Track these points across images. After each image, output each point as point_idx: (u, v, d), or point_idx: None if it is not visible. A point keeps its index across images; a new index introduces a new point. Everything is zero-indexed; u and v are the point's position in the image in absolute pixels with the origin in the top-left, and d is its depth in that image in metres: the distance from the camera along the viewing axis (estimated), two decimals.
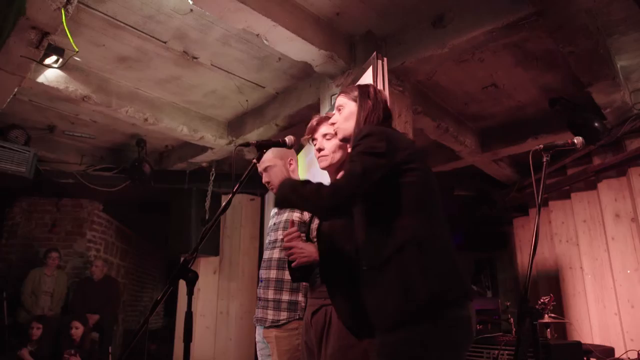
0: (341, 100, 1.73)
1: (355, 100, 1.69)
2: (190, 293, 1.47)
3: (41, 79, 3.76)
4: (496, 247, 7.35)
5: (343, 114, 1.70)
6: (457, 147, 4.99)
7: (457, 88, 4.30)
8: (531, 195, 6.09)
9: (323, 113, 3.75)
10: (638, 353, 3.69)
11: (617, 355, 4.19)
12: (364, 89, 1.71)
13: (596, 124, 4.17)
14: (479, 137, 5.19)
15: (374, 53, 2.59)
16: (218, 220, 5.33)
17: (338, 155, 1.86)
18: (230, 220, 5.94)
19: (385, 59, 2.59)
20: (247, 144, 1.72)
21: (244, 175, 1.67)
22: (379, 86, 2.52)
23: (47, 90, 3.89)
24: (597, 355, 3.78)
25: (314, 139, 1.93)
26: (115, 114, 4.27)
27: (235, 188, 1.62)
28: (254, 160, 1.70)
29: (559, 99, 4.17)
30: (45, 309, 5.35)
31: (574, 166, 5.30)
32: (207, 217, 5.41)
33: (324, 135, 1.91)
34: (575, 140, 1.98)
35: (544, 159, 2.00)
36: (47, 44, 3.33)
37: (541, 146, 2.01)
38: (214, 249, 5.53)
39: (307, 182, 1.51)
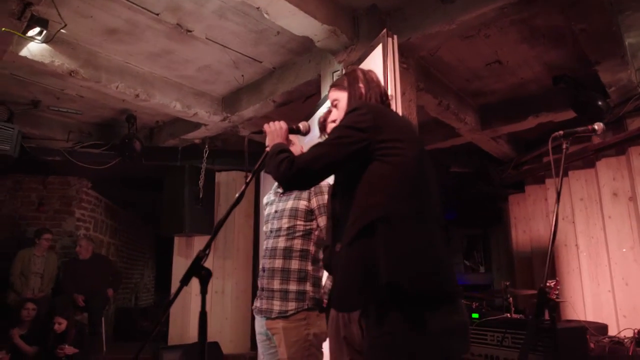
0: (335, 94, 1.65)
1: (347, 91, 1.61)
2: (204, 292, 1.37)
3: (24, 52, 3.54)
4: (491, 223, 7.39)
5: (341, 108, 1.62)
6: (457, 125, 4.90)
7: (460, 64, 4.18)
8: (527, 172, 6.08)
9: (324, 90, 3.62)
10: (634, 331, 3.72)
11: (610, 332, 4.26)
12: (352, 74, 1.64)
13: (600, 103, 4.10)
14: (479, 114, 5.10)
15: (384, 30, 2.45)
16: (213, 201, 5.10)
17: None
18: (224, 198, 5.83)
19: (395, 36, 2.46)
20: (260, 132, 1.60)
21: (258, 164, 1.56)
22: (389, 65, 2.40)
23: (31, 65, 3.67)
24: (592, 332, 3.82)
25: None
26: (105, 89, 4.07)
27: (249, 179, 1.51)
28: (267, 149, 1.58)
29: (563, 77, 4.08)
30: (35, 290, 5.23)
31: (573, 144, 5.23)
32: (201, 196, 5.29)
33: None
34: (596, 126, 1.91)
35: (564, 146, 1.92)
36: (30, 15, 3.13)
37: (561, 132, 1.94)
38: (208, 228, 5.41)
39: (283, 151, 1.48)
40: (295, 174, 1.40)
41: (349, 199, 1.40)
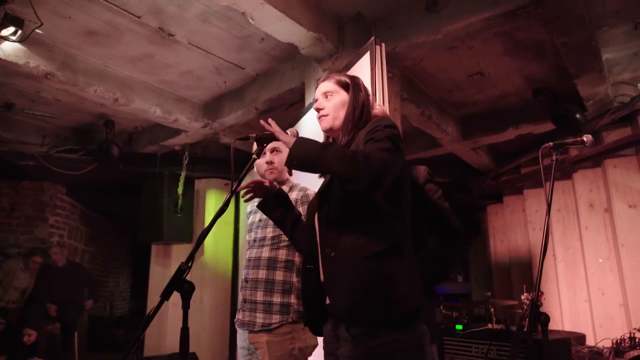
0: (330, 86, 1.60)
1: (345, 89, 1.59)
2: (186, 307, 1.32)
3: None
4: (469, 233, 7.44)
5: (333, 102, 1.57)
6: (438, 135, 4.94)
7: (443, 75, 4.21)
8: (506, 183, 6.16)
9: (308, 98, 3.59)
10: (612, 341, 3.77)
11: (587, 342, 4.31)
12: (356, 80, 1.62)
13: (578, 116, 4.19)
14: (460, 125, 5.15)
15: (372, 38, 2.44)
16: (192, 208, 5.00)
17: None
18: (203, 205, 5.73)
19: (383, 44, 2.45)
20: (246, 138, 1.55)
21: (244, 171, 1.51)
22: (377, 74, 2.39)
23: (4, 65, 3.53)
24: (572, 342, 3.86)
25: None
26: (83, 93, 3.95)
27: (235, 187, 1.46)
28: (254, 156, 1.54)
29: (543, 90, 4.16)
30: (9, 302, 5.02)
31: (550, 156, 5.34)
32: (180, 203, 5.18)
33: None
34: (585, 138, 1.93)
35: (553, 157, 1.93)
36: (4, 14, 3.03)
37: (551, 144, 1.94)
38: (187, 236, 5.31)
39: (334, 142, 1.45)
40: (384, 173, 1.31)
41: (352, 207, 1.41)
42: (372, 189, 1.37)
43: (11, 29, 3.16)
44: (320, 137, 1.64)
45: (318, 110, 1.59)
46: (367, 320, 1.33)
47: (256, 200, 2.38)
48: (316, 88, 1.65)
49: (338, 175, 1.36)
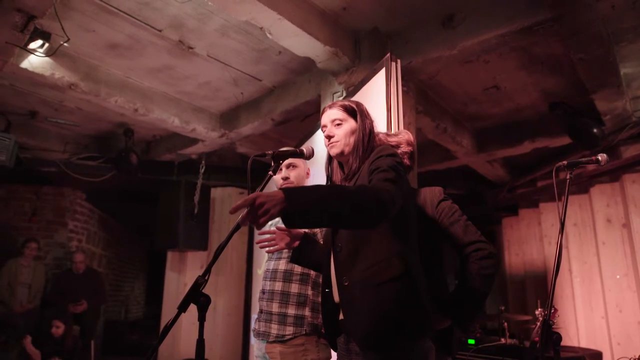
0: (338, 114, 1.66)
1: (352, 116, 1.66)
2: (201, 319, 1.35)
3: (25, 64, 3.53)
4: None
5: (343, 130, 1.64)
6: (453, 147, 4.94)
7: (458, 88, 4.22)
8: (521, 196, 6.11)
9: None
10: None
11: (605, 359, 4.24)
12: (361, 107, 1.70)
13: (595, 130, 4.15)
14: (476, 138, 5.14)
15: (388, 54, 2.47)
16: (208, 217, 5.05)
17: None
18: (218, 214, 5.80)
19: (399, 60, 2.48)
20: (263, 155, 1.59)
21: (260, 187, 1.54)
22: (392, 89, 2.42)
23: (31, 77, 3.66)
24: None
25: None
26: (104, 103, 4.06)
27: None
28: (270, 172, 1.57)
29: (560, 104, 4.13)
30: (23, 301, 5.13)
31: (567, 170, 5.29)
32: (195, 211, 5.25)
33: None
34: (600, 157, 1.92)
35: (568, 176, 1.93)
36: (33, 28, 3.13)
37: (565, 162, 1.94)
38: (202, 243, 5.38)
39: (341, 185, 1.52)
40: (394, 203, 1.35)
41: (362, 235, 1.48)
42: (379, 222, 1.33)
43: (39, 42, 3.27)
44: None
45: (329, 137, 1.66)
46: (380, 348, 1.38)
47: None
48: (322, 114, 1.71)
49: (345, 215, 1.26)
